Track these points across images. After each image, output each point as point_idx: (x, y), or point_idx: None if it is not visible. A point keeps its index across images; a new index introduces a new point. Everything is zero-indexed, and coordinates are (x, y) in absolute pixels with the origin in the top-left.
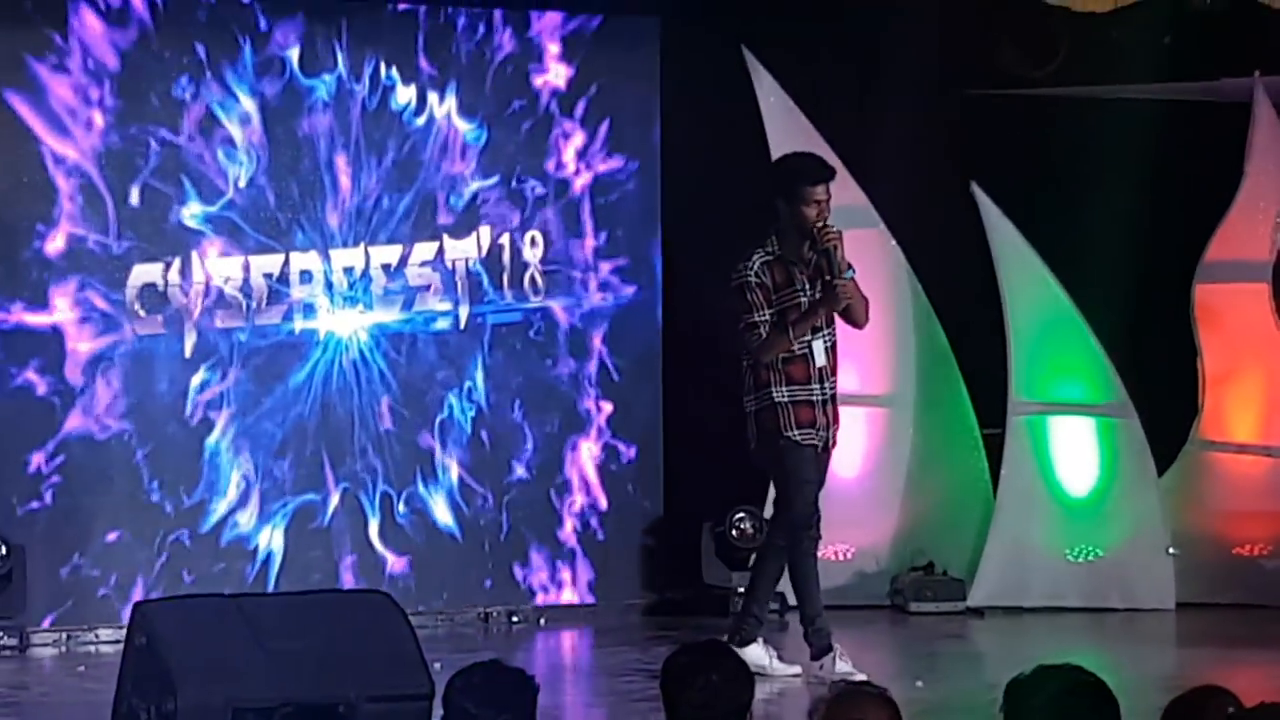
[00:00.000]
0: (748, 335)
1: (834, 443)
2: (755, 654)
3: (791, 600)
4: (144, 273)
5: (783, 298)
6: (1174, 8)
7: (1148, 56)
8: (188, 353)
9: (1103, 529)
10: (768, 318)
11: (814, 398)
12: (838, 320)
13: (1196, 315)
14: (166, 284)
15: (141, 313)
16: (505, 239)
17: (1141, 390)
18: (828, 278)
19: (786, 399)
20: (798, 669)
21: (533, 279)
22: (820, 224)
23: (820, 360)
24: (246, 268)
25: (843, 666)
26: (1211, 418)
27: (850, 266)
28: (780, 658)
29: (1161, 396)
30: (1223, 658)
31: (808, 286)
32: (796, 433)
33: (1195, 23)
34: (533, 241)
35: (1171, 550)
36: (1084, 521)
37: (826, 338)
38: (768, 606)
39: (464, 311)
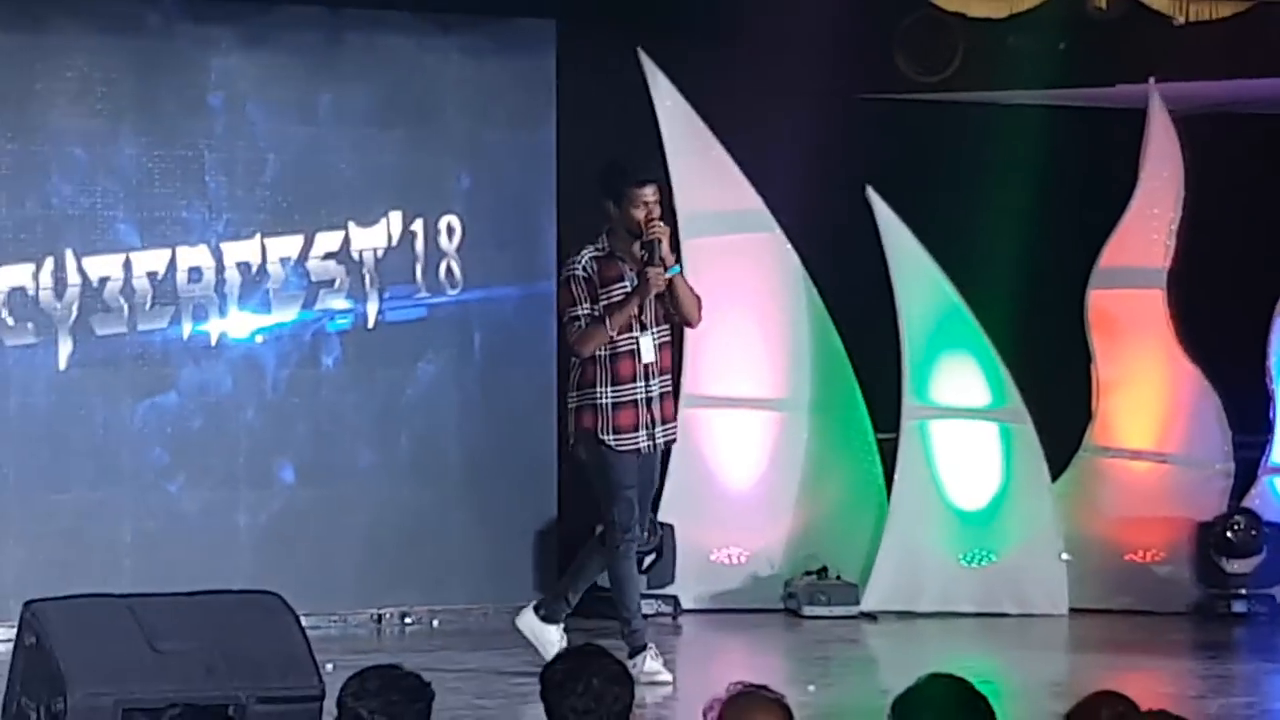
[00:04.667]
0: (569, 328)
1: (670, 438)
2: (552, 635)
3: (686, 603)
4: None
5: (610, 293)
6: (1069, 14)
7: (1043, 62)
8: (62, 364)
9: (996, 534)
10: (590, 311)
11: (638, 396)
12: (673, 319)
13: (1091, 321)
14: (37, 286)
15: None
16: (419, 225)
17: (1035, 395)
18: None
19: (610, 400)
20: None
21: (449, 270)
22: (647, 221)
23: (648, 357)
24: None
25: (652, 665)
26: (1105, 424)
27: (677, 263)
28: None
29: (1055, 402)
30: (1114, 663)
31: (636, 282)
32: (613, 438)
33: (1090, 29)
34: (429, 242)
35: (1064, 556)
36: (977, 527)
37: (657, 335)
38: (579, 594)
39: (371, 309)
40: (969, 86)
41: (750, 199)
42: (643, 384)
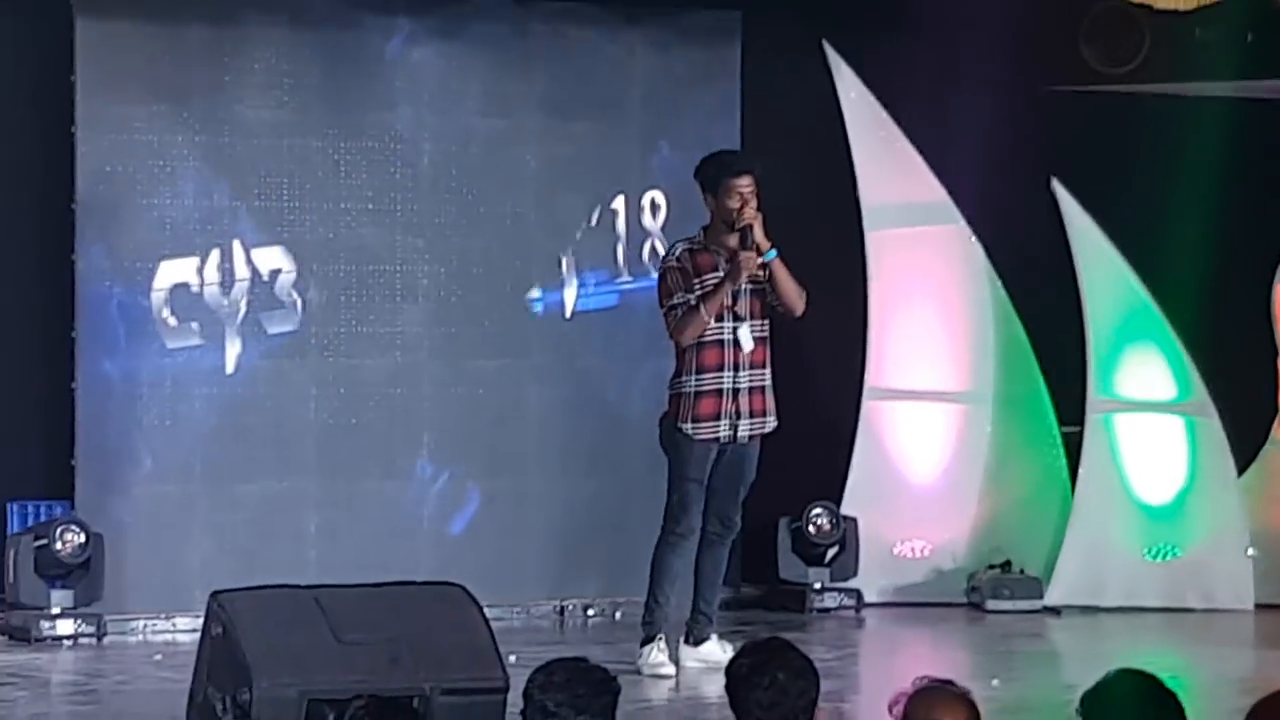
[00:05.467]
0: (667, 317)
1: (754, 432)
2: (708, 650)
3: (869, 596)
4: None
5: (705, 281)
6: (1256, 6)
7: (1230, 54)
8: (230, 367)
9: (1181, 529)
10: (685, 300)
11: (723, 386)
12: (770, 314)
13: (1277, 314)
14: (202, 282)
15: (172, 320)
16: (620, 204)
17: (1221, 389)
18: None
19: (693, 388)
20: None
21: (654, 250)
22: (741, 210)
23: (748, 345)
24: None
25: (658, 657)
26: None
27: (773, 248)
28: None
29: (1241, 395)
30: None
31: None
32: (690, 426)
33: (1277, 20)
34: (631, 222)
35: (1250, 551)
36: (1162, 521)
37: (754, 327)
38: (714, 599)
39: (569, 296)
40: (1155, 79)
41: (935, 191)
42: (729, 374)
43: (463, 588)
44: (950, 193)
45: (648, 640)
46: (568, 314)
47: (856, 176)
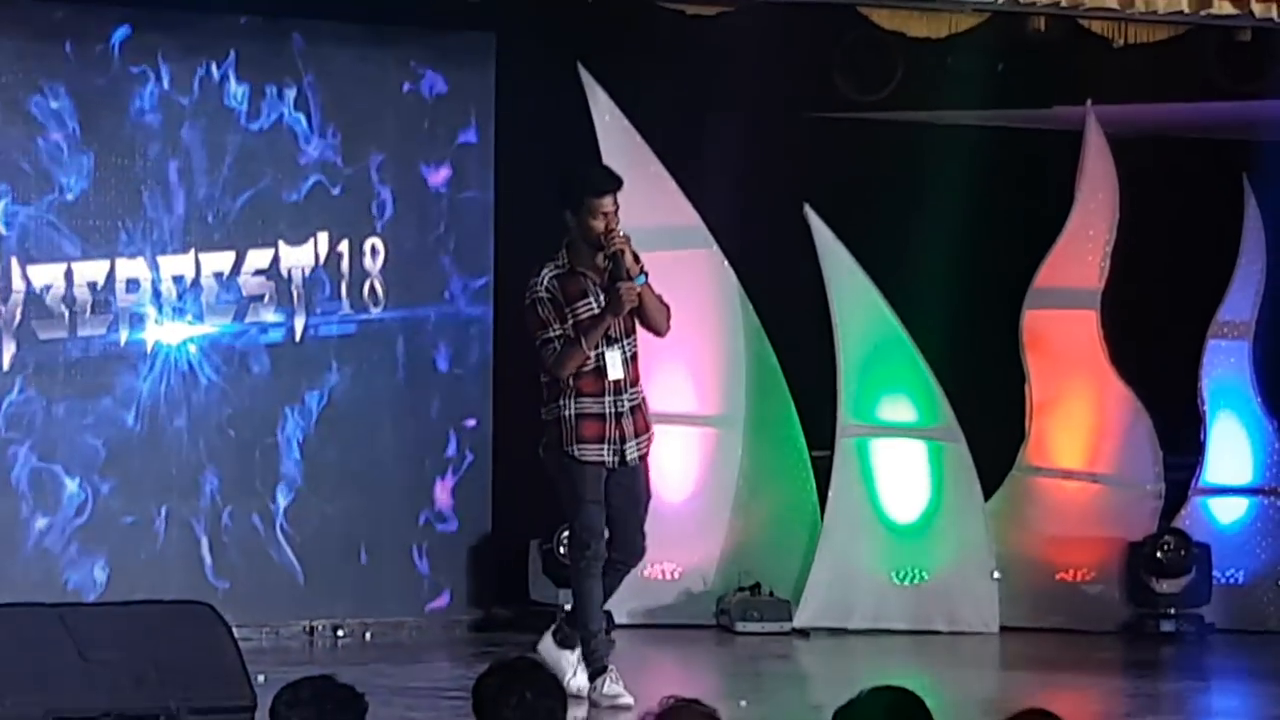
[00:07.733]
0: (543, 351)
1: (642, 453)
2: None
3: (619, 618)
4: None
5: (576, 310)
6: (1008, 35)
7: (982, 83)
8: (5, 365)
9: (928, 552)
10: (561, 331)
11: (605, 410)
12: (639, 330)
13: (1025, 341)
14: None
15: None
16: (345, 246)
17: (969, 414)
18: (614, 282)
19: (573, 412)
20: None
21: (372, 289)
22: (608, 232)
23: (616, 373)
24: (69, 275)
25: (612, 688)
26: (1038, 443)
27: (643, 272)
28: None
29: (989, 421)
30: (1045, 681)
31: (601, 296)
32: (577, 448)
33: (1029, 50)
34: (373, 250)
35: (996, 574)
36: (910, 544)
37: (625, 348)
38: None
39: (299, 322)
40: (908, 106)
41: (688, 215)
42: (610, 398)
43: (210, 607)
44: (703, 217)
45: (598, 673)
46: (298, 338)
47: None
